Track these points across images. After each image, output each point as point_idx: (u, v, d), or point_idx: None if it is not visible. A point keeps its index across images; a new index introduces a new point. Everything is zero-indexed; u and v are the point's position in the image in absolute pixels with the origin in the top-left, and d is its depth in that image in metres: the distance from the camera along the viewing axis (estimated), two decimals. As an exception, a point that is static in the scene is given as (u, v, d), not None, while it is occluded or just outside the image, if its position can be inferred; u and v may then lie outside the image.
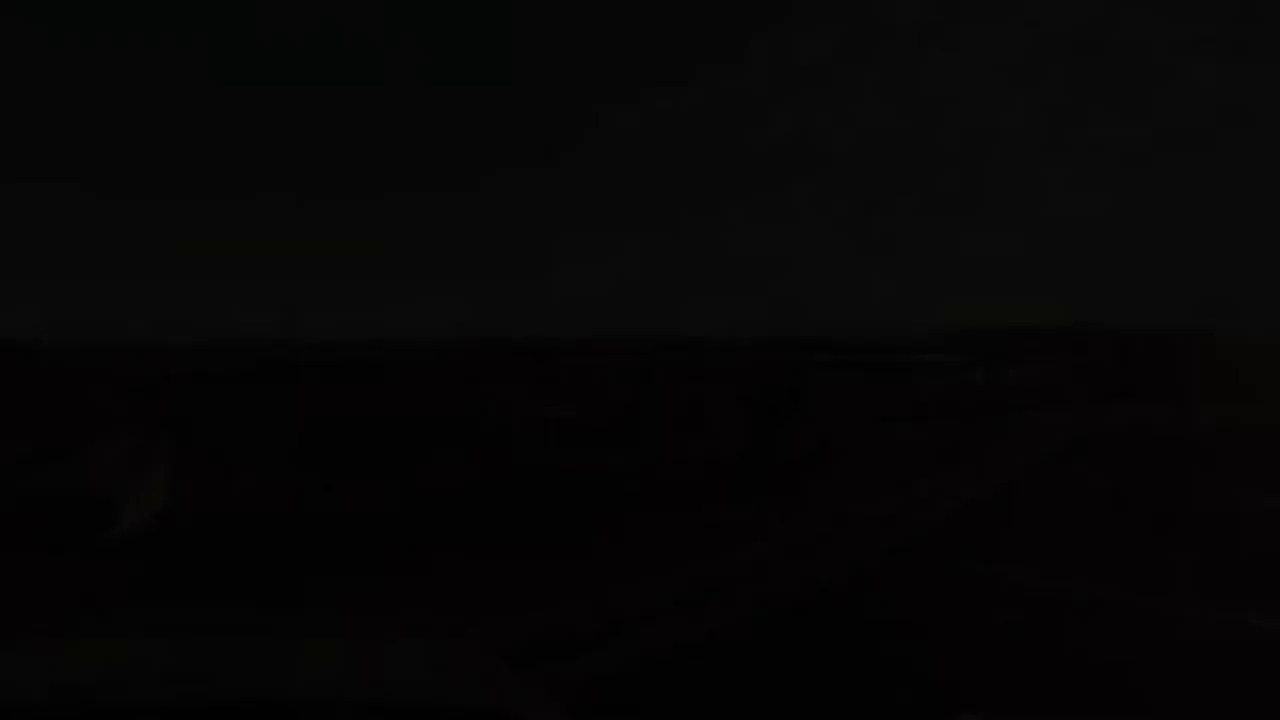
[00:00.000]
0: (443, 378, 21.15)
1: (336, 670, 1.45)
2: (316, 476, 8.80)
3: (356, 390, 16.65)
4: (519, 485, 8.70)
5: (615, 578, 5.02)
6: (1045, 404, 17.98)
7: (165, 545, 6.58)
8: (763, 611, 4.49)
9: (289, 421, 11.76)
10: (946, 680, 3.63)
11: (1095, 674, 3.64)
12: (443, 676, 1.42)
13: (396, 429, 11.20)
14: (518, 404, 14.61)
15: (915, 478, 8.58)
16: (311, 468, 9.16)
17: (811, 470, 9.07)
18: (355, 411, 12.95)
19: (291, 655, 1.63)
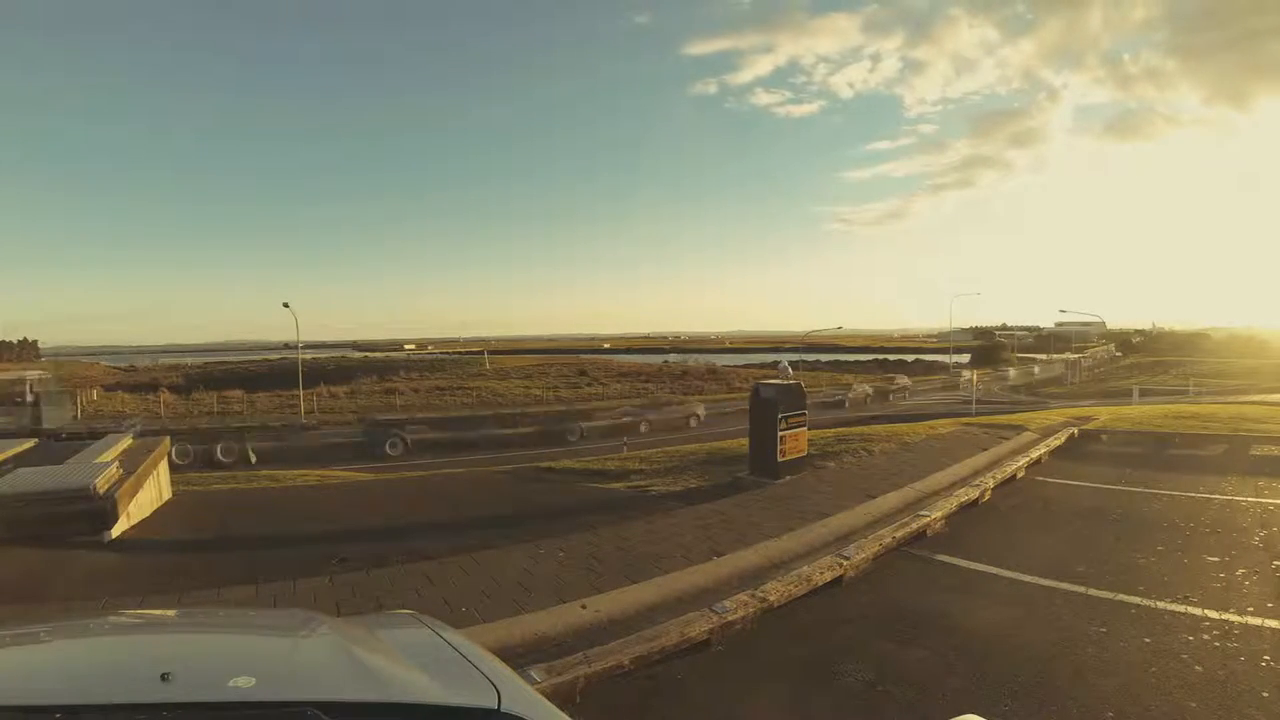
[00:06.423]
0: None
1: (329, 666, 1.45)
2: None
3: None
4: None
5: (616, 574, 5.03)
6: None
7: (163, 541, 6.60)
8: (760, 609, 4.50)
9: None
10: (947, 680, 3.65)
11: (1095, 674, 3.64)
12: (439, 673, 1.42)
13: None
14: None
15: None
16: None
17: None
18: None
19: (280, 650, 1.63)
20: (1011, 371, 52.47)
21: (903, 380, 40.12)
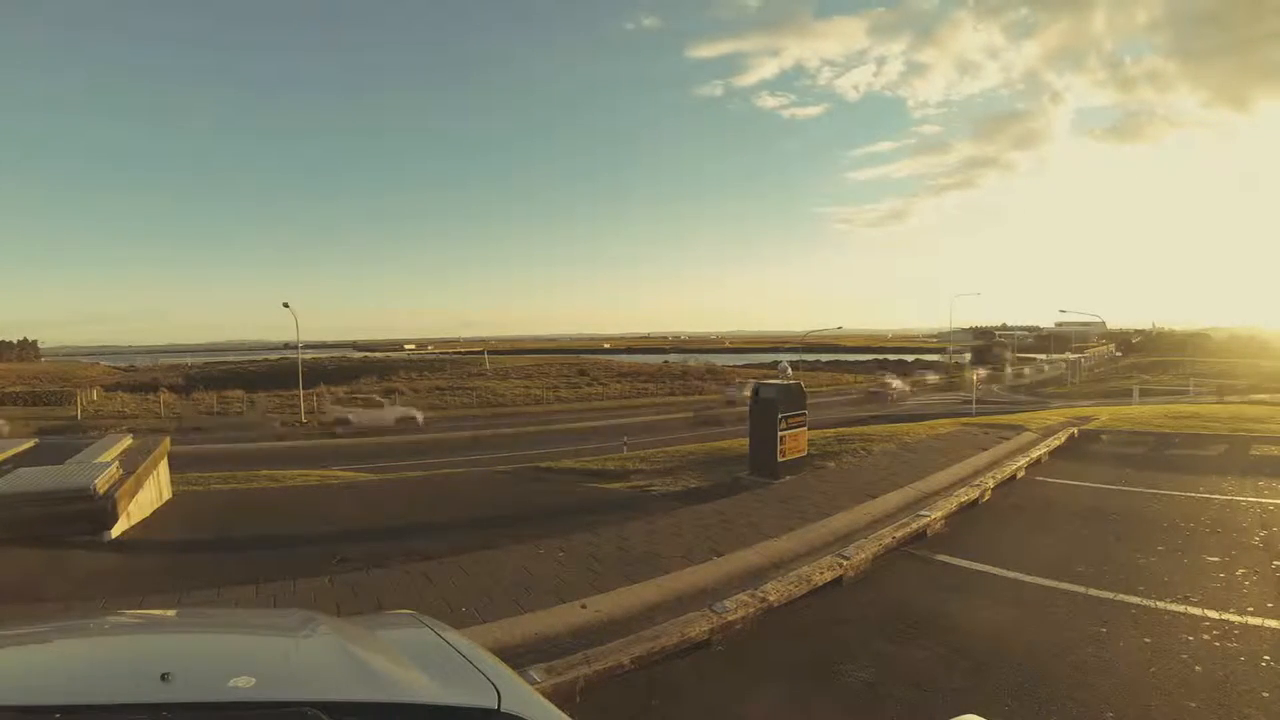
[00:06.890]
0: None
1: (329, 666, 1.45)
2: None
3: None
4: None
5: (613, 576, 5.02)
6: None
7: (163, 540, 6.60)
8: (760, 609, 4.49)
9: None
10: (947, 680, 3.65)
11: (1095, 674, 3.64)
12: (439, 673, 1.42)
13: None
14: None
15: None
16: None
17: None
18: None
19: (280, 650, 1.63)
20: (1032, 370, 52.61)
21: None
